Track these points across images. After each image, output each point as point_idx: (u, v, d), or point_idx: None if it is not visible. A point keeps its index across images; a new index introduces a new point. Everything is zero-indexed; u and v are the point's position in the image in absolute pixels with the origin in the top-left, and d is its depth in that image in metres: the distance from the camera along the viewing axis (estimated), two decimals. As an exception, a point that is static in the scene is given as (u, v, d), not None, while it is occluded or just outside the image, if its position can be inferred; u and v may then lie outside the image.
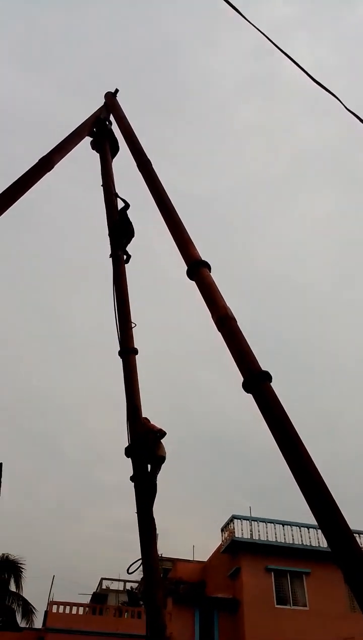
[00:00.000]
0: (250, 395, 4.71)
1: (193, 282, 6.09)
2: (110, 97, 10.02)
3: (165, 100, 63.29)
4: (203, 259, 6.22)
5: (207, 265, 6.15)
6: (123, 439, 7.48)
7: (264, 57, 59.06)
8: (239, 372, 4.89)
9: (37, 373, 53.87)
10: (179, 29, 62.65)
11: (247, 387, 4.68)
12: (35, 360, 54.30)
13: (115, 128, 9.82)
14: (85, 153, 9.61)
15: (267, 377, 4.66)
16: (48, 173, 7.85)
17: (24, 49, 61.24)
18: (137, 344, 8.26)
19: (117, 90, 10.05)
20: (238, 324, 5.33)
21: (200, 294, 5.86)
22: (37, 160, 7.79)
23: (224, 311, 5.40)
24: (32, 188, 7.48)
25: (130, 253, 9.20)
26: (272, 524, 23.14)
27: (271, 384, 4.63)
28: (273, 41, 6.12)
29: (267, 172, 65.47)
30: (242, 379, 4.80)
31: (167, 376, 51.42)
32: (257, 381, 4.63)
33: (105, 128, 9.95)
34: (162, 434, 7.34)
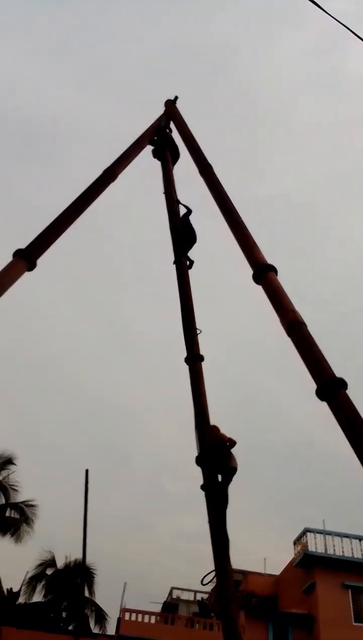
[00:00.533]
0: (322, 403, 4.47)
1: (260, 286, 5.92)
2: (170, 104, 10.05)
3: (224, 102, 62.89)
4: (269, 262, 6.05)
5: (273, 269, 5.96)
6: (190, 447, 7.36)
7: (325, 55, 57.79)
8: (311, 379, 4.65)
9: (105, 383, 55.15)
10: (234, 29, 62.36)
11: (320, 394, 4.44)
12: (104, 370, 55.62)
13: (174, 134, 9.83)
14: (142, 161, 9.63)
15: (342, 384, 4.39)
16: (112, 183, 7.96)
17: (77, 65, 63.22)
18: (201, 350, 8.15)
19: (176, 98, 10.06)
20: (308, 328, 5.09)
21: (267, 299, 5.68)
22: (101, 172, 7.92)
23: (293, 315, 5.18)
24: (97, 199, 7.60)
25: (192, 259, 9.14)
26: (348, 539, 22.15)
27: (347, 391, 4.35)
28: (354, 30, 5.81)
29: (334, 170, 63.51)
30: (314, 386, 4.57)
31: (229, 383, 50.82)
32: (331, 388, 4.37)
33: (165, 136, 9.98)
34: (233, 443, 7.15)
